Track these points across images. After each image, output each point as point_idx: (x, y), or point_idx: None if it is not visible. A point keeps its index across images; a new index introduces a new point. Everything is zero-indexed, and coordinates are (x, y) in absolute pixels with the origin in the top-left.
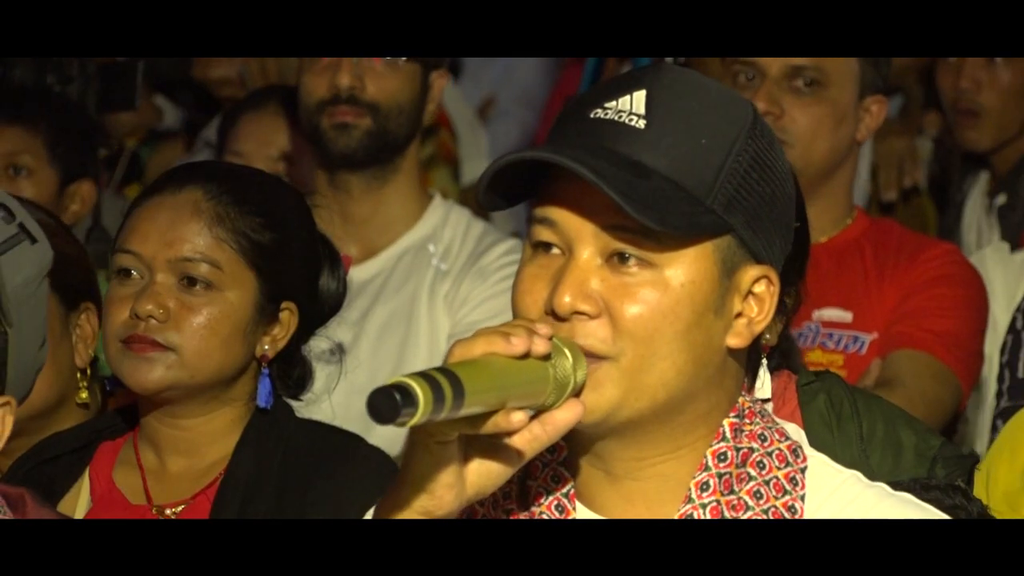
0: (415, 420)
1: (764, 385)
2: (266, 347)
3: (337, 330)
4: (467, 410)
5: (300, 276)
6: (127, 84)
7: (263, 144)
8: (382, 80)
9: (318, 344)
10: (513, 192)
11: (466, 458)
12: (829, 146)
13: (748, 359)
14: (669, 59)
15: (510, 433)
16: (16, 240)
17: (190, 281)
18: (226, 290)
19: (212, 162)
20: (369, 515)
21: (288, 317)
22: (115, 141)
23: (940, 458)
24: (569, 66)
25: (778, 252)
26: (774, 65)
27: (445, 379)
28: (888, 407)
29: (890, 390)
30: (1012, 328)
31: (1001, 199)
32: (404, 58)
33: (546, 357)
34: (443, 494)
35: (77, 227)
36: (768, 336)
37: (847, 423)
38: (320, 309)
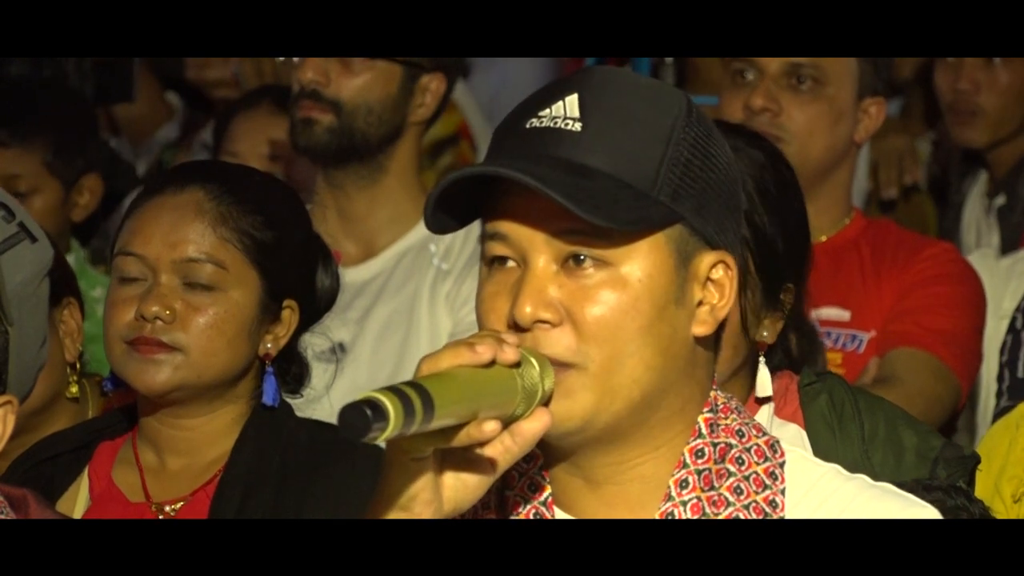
0: (386, 434)
1: (764, 384)
2: (268, 345)
3: (338, 330)
4: (438, 422)
5: (299, 273)
6: (123, 76)
7: (257, 144)
8: (350, 78)
9: (319, 343)
10: (464, 212)
11: (442, 474)
12: (826, 144)
13: (745, 359)
14: (669, 59)
15: (482, 444)
16: (17, 239)
17: (195, 281)
18: (231, 289)
19: (209, 162)
20: None
21: (289, 315)
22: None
23: (941, 459)
24: (568, 66)
25: (732, 236)
26: (773, 63)
27: (414, 392)
28: (890, 408)
29: (888, 388)
30: (1012, 328)
31: (1000, 200)
32: (382, 59)
33: (514, 366)
34: (421, 511)
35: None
36: (766, 334)
37: (849, 424)
38: (316, 305)
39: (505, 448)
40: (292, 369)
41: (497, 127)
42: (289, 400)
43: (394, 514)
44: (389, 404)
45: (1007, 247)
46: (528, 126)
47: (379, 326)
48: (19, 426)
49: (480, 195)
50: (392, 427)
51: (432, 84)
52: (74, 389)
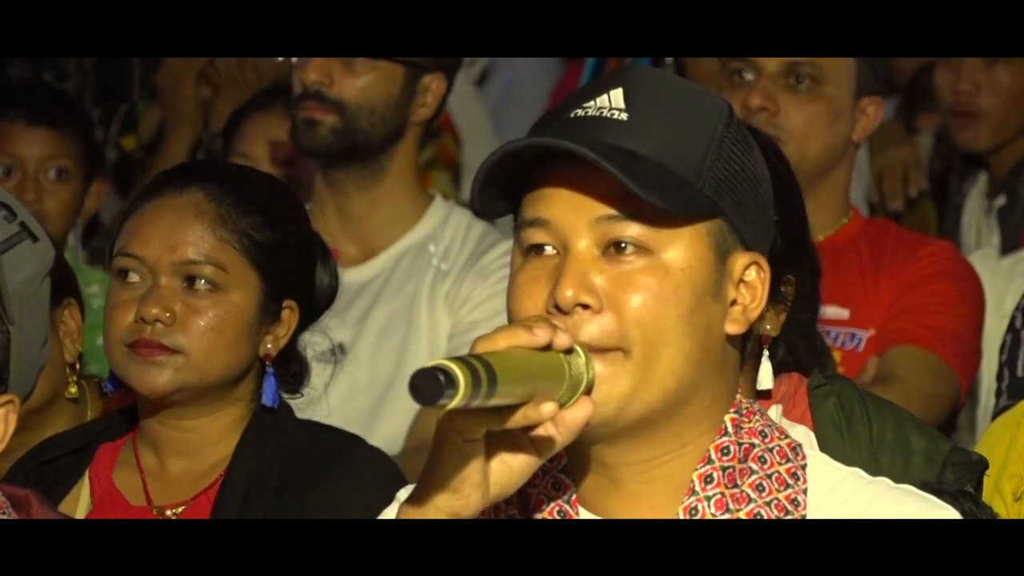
0: (455, 403)
1: (766, 377)
2: (269, 346)
3: (338, 330)
4: (497, 400)
5: (299, 273)
6: (124, 77)
7: (270, 145)
8: (352, 79)
9: (319, 344)
10: (503, 197)
11: (489, 458)
12: (824, 144)
13: (750, 351)
14: (669, 59)
15: (532, 428)
16: (18, 239)
17: (195, 283)
18: (231, 291)
19: (207, 162)
20: (391, 514)
21: (289, 315)
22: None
23: (949, 463)
24: (568, 66)
25: (764, 240)
26: (771, 62)
27: (480, 364)
28: (899, 411)
29: (888, 386)
30: (1011, 327)
31: (1000, 200)
32: (384, 59)
33: (566, 352)
34: (471, 493)
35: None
36: (769, 327)
37: (857, 426)
38: (316, 305)
39: (549, 436)
40: (292, 368)
41: (539, 119)
42: (289, 401)
43: (445, 496)
44: (460, 372)
45: (1007, 247)
46: (572, 116)
47: (379, 327)
48: (19, 425)
49: (517, 185)
50: (461, 396)
51: (433, 84)
52: (73, 389)
